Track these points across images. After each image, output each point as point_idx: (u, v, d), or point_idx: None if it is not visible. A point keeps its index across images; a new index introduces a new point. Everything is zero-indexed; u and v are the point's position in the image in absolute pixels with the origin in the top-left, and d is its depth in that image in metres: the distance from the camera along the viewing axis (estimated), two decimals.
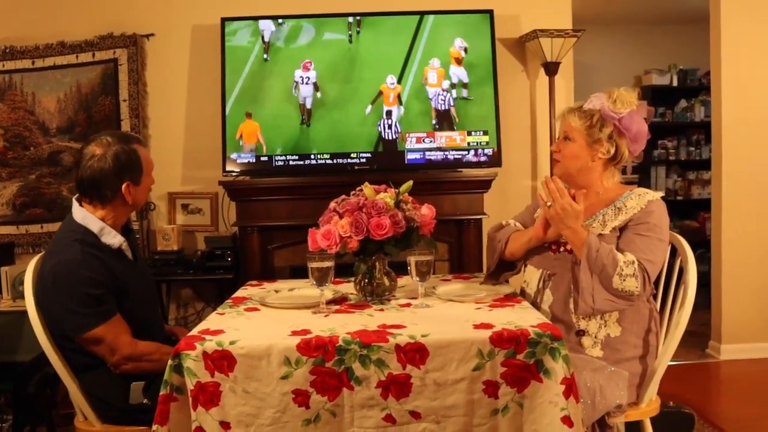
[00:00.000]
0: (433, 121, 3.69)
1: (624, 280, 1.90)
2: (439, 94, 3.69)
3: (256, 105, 3.68)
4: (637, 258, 1.93)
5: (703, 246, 5.37)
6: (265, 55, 3.70)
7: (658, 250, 1.98)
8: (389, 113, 3.67)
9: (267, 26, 3.71)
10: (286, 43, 3.72)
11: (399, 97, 3.68)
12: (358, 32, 3.71)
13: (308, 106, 3.67)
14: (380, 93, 3.68)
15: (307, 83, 3.68)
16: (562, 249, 2.10)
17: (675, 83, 6.10)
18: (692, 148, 6.17)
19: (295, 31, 3.72)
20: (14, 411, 2.98)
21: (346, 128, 3.67)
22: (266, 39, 3.71)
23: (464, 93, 3.70)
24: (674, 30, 6.11)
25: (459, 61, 3.70)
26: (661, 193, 2.07)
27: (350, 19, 3.73)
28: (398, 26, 3.74)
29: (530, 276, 2.19)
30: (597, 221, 2.06)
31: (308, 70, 3.68)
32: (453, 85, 3.69)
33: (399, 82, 3.69)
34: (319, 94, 3.68)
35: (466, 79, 3.70)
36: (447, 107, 3.68)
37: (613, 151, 2.09)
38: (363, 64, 3.71)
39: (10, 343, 3.30)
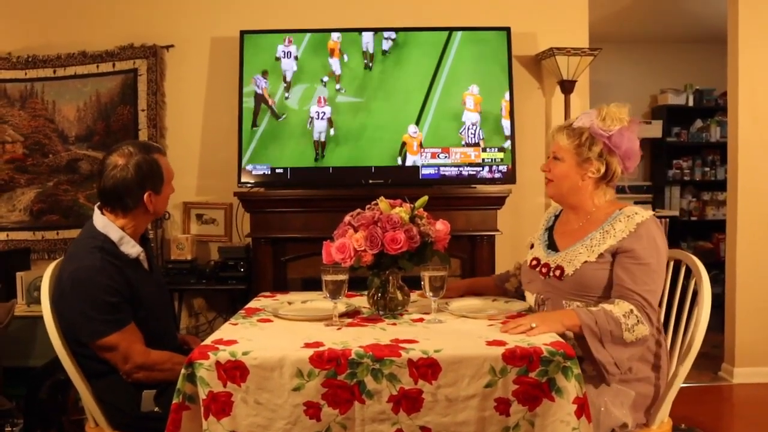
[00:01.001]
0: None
1: (633, 331, 1.86)
2: (472, 124, 3.71)
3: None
4: (637, 291, 1.90)
5: (717, 267, 5.33)
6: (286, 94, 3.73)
7: (656, 275, 1.95)
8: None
9: (289, 66, 3.75)
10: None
11: (421, 144, 3.69)
12: (383, 52, 3.73)
13: (323, 139, 3.70)
14: (404, 144, 3.69)
15: (322, 118, 3.70)
16: (551, 274, 2.09)
17: (691, 103, 6.09)
18: (707, 169, 6.15)
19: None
20: (25, 416, 3.01)
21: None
22: (287, 79, 3.74)
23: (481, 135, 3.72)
24: (691, 49, 6.11)
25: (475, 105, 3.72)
26: (651, 213, 2.02)
27: (365, 47, 3.74)
28: (421, 51, 3.76)
29: (527, 300, 2.20)
30: (584, 246, 2.04)
31: (322, 105, 3.70)
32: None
33: (423, 106, 3.70)
34: (332, 131, 3.70)
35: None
36: (477, 140, 3.70)
37: (603, 169, 2.07)
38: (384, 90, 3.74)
39: (24, 348, 3.34)
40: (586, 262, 2.01)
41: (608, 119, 2.03)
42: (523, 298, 2.33)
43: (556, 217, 2.26)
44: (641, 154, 2.09)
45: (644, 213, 2.01)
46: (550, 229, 2.23)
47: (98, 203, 2.11)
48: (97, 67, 4.02)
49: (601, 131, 2.03)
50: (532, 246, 2.26)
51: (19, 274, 3.65)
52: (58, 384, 2.89)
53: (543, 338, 1.75)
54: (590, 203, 2.11)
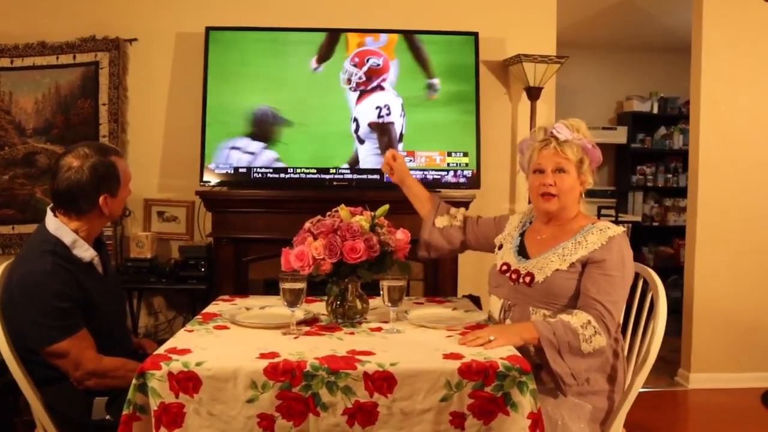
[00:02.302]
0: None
1: (591, 341, 1.88)
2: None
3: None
4: (599, 300, 1.92)
5: (677, 272, 5.43)
6: None
7: (620, 288, 1.98)
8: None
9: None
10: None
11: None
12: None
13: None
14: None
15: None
16: (520, 280, 2.09)
17: (656, 110, 6.18)
18: (670, 175, 6.24)
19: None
20: None
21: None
22: None
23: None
24: (657, 58, 6.20)
25: None
26: (623, 229, 2.06)
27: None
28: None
29: (493, 305, 2.20)
30: (556, 254, 2.05)
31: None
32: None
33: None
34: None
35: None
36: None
37: (592, 182, 2.12)
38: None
39: None
40: (557, 270, 2.02)
41: (583, 133, 2.09)
42: (442, 241, 2.39)
43: (530, 223, 2.26)
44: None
45: (616, 228, 2.04)
46: (521, 235, 2.23)
47: (51, 205, 2.05)
48: (57, 58, 3.91)
49: (588, 146, 2.07)
50: (500, 247, 2.26)
51: None
52: (8, 385, 2.81)
53: (500, 352, 1.75)
54: (575, 215, 2.13)
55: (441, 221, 2.42)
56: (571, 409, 1.92)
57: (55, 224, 2.00)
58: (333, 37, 3.72)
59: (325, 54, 3.72)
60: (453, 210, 2.46)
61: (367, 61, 3.71)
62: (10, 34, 3.90)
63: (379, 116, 3.70)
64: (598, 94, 6.20)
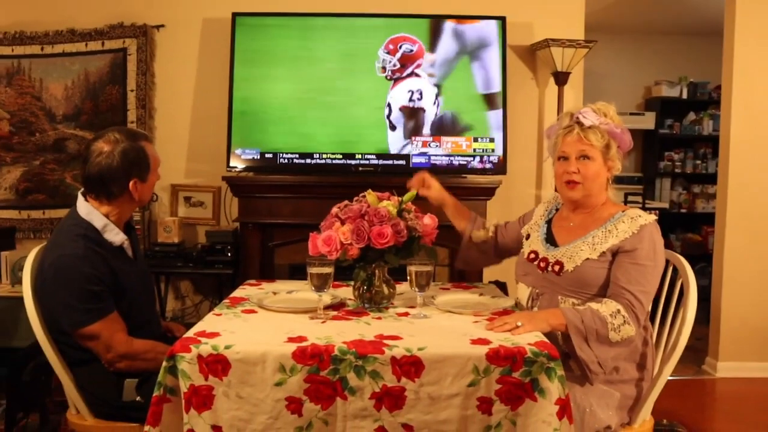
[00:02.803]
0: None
1: (619, 331, 1.86)
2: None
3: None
4: (630, 290, 1.90)
5: (704, 260, 5.36)
6: None
7: (651, 277, 1.95)
8: None
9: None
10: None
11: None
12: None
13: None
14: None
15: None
16: (549, 269, 2.08)
17: (685, 96, 6.08)
18: (699, 162, 6.15)
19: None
20: (8, 397, 2.99)
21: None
22: None
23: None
24: (687, 42, 6.09)
25: None
26: (654, 217, 2.01)
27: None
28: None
29: (521, 293, 2.19)
30: (586, 243, 2.03)
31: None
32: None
33: None
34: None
35: None
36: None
37: (620, 168, 2.08)
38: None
39: (7, 328, 3.32)
40: (587, 259, 2.00)
41: (612, 118, 2.04)
42: (478, 254, 2.38)
43: (557, 209, 2.24)
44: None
45: (648, 217, 2.01)
46: (548, 223, 2.21)
47: (82, 190, 2.07)
48: (86, 45, 3.96)
49: (615, 130, 2.03)
50: (528, 237, 2.25)
51: (3, 254, 3.61)
52: (41, 366, 2.87)
53: (527, 338, 1.75)
54: (603, 202, 2.10)
55: (477, 235, 2.40)
56: (600, 397, 1.91)
57: (86, 209, 2.03)
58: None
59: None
60: (487, 223, 2.45)
61: (400, 47, 3.69)
62: (40, 22, 3.95)
63: (410, 100, 3.68)
64: (626, 79, 6.12)
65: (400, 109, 3.68)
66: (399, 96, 3.69)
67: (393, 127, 3.69)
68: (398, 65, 3.69)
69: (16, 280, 3.52)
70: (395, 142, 3.68)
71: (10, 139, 3.98)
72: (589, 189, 2.07)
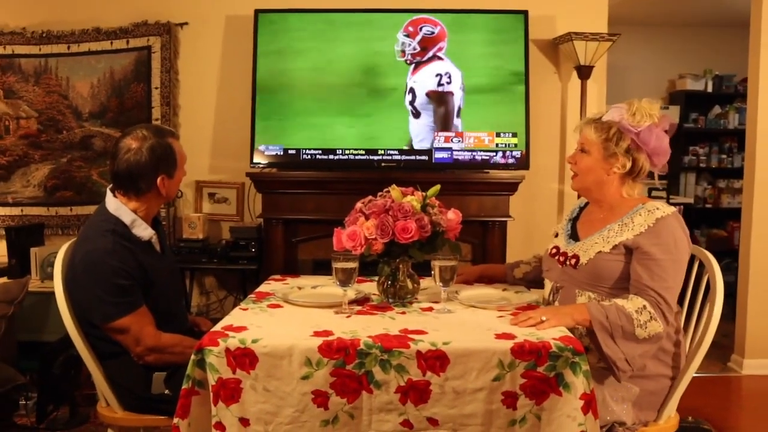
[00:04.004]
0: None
1: (646, 327, 1.84)
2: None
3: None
4: (653, 287, 1.87)
5: (730, 256, 5.29)
6: None
7: (673, 272, 1.91)
8: None
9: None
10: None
11: None
12: None
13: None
14: None
15: None
16: (567, 262, 2.08)
17: (710, 89, 5.99)
18: (724, 156, 6.07)
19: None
20: (39, 390, 3.06)
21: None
22: None
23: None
24: (711, 34, 6.00)
25: None
26: (673, 209, 1.97)
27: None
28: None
29: (545, 287, 2.19)
30: (601, 236, 2.02)
31: None
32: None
33: None
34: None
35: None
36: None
37: (629, 165, 2.02)
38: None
39: (38, 323, 3.38)
40: (599, 252, 1.99)
41: (638, 114, 1.99)
42: (529, 285, 2.38)
43: (582, 208, 2.24)
44: (670, 151, 2.04)
45: (666, 208, 1.97)
46: (574, 220, 2.21)
47: (111, 186, 2.11)
48: (111, 43, 4.01)
49: (630, 127, 1.99)
50: (556, 235, 2.25)
51: (33, 250, 3.68)
52: (71, 359, 2.93)
53: (552, 332, 1.75)
54: (615, 197, 2.08)
55: (519, 272, 2.43)
56: (615, 390, 1.90)
57: (115, 204, 2.06)
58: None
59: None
60: (526, 258, 2.48)
61: (421, 29, 3.66)
62: (66, 21, 4.01)
63: (440, 84, 3.66)
64: (650, 73, 6.04)
65: (427, 95, 3.66)
66: (424, 80, 3.66)
67: (417, 114, 3.66)
68: (418, 48, 3.66)
69: (46, 276, 3.58)
70: (419, 132, 3.66)
71: (38, 137, 4.05)
72: (583, 181, 2.09)
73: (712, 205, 6.08)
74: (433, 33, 3.65)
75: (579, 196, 2.32)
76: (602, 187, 2.08)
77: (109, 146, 3.93)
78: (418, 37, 3.66)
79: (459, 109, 3.66)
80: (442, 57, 3.67)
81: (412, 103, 3.66)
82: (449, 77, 3.63)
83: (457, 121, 3.66)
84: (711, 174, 6.14)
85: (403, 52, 3.66)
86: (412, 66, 3.67)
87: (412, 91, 3.66)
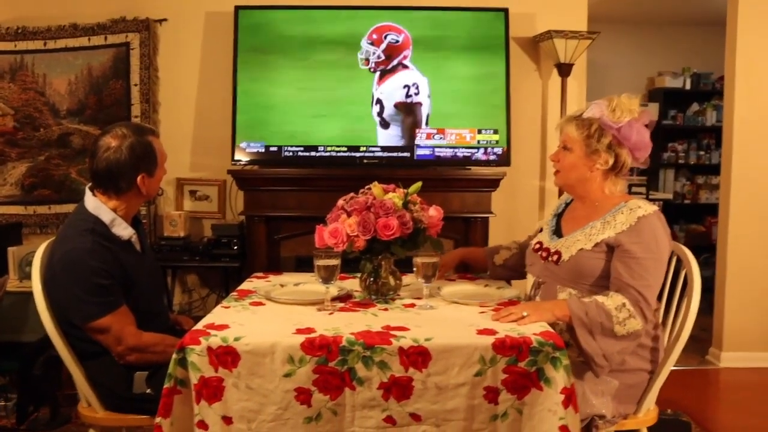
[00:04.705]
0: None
1: (625, 325, 1.86)
2: None
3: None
4: (633, 285, 1.89)
5: (708, 251, 5.37)
6: None
7: (653, 270, 1.93)
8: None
9: None
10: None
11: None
12: None
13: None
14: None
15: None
16: (549, 258, 2.10)
17: (688, 86, 6.08)
18: (702, 152, 6.15)
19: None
20: (19, 390, 3.02)
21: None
22: None
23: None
24: (690, 32, 6.08)
25: None
26: (655, 208, 1.99)
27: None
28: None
29: (528, 283, 2.21)
30: (584, 233, 2.04)
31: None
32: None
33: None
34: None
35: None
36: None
37: (612, 161, 2.04)
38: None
39: (16, 323, 3.34)
40: (581, 249, 2.01)
41: (618, 110, 2.01)
42: (509, 273, 2.42)
43: (567, 204, 2.25)
44: (651, 145, 2.06)
45: (648, 207, 1.99)
46: (559, 216, 2.23)
47: (90, 185, 2.09)
48: (89, 40, 3.96)
49: (610, 123, 2.01)
50: (541, 230, 2.27)
51: (10, 249, 3.63)
52: (51, 359, 2.91)
53: (533, 328, 1.77)
54: (598, 194, 2.09)
55: (499, 258, 2.45)
56: (595, 384, 1.92)
57: (94, 203, 2.05)
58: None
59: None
60: (506, 243, 2.49)
61: (385, 37, 3.67)
62: (42, 17, 3.96)
63: (407, 95, 3.68)
64: (629, 70, 6.11)
65: (396, 106, 3.67)
66: (392, 92, 3.66)
67: (386, 125, 3.66)
68: (383, 57, 3.66)
69: (24, 275, 3.54)
70: (389, 141, 3.66)
71: (15, 134, 4.00)
72: (566, 178, 2.11)
73: (690, 201, 6.17)
74: (397, 41, 3.65)
75: (561, 193, 2.34)
76: (585, 183, 2.09)
77: (87, 144, 3.89)
78: (383, 45, 3.65)
79: (428, 117, 3.67)
80: (408, 65, 3.67)
81: (380, 114, 3.66)
82: (417, 87, 3.64)
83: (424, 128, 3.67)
84: (689, 170, 6.22)
85: (367, 60, 3.66)
86: (377, 75, 3.67)
87: (379, 102, 3.66)
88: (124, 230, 2.05)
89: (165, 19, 3.98)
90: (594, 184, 2.09)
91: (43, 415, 3.05)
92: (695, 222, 6.22)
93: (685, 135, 6.17)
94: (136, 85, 3.97)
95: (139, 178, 2.04)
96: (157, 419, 1.67)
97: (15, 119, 4.00)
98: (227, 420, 1.68)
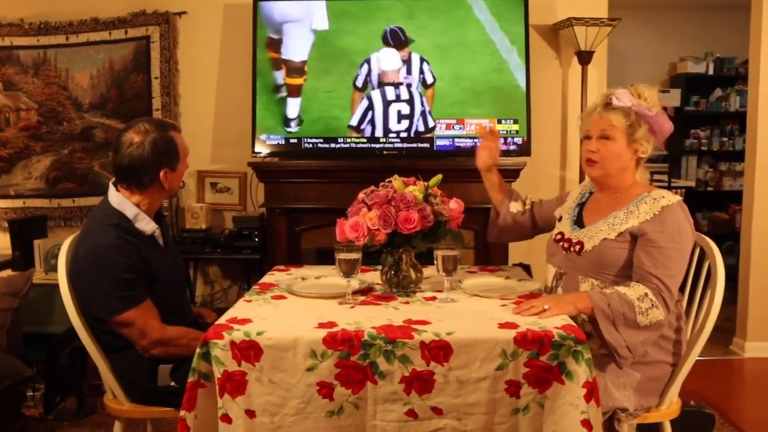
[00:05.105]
0: None
1: (647, 315, 1.85)
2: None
3: None
4: (656, 274, 1.88)
5: (732, 238, 5.31)
6: None
7: (677, 260, 1.92)
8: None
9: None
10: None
11: None
12: None
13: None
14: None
15: None
16: (571, 249, 2.08)
17: (711, 71, 5.98)
18: (725, 139, 6.07)
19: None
20: (46, 381, 3.08)
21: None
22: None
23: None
24: (712, 16, 5.97)
25: None
26: (679, 198, 1.98)
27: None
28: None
29: (549, 273, 2.20)
30: (606, 223, 2.03)
31: None
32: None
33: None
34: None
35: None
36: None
37: (650, 149, 2.06)
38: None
39: (43, 315, 3.40)
40: (605, 239, 2.00)
41: (648, 99, 2.02)
42: (509, 231, 2.42)
43: (591, 193, 2.24)
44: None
45: (671, 197, 1.98)
46: (581, 206, 2.22)
47: (113, 179, 2.11)
48: (110, 34, 3.99)
49: (646, 111, 2.01)
50: (560, 219, 2.26)
51: (36, 242, 3.69)
52: (77, 350, 2.95)
53: (554, 321, 1.76)
54: (629, 183, 2.08)
55: (514, 206, 2.42)
56: (616, 376, 1.92)
57: (118, 198, 2.07)
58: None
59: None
60: (522, 196, 2.47)
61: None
62: (64, 12, 3.99)
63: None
64: (651, 56, 6.02)
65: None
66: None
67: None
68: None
69: (50, 268, 3.60)
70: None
71: (39, 128, 4.05)
72: (608, 168, 2.07)
73: (713, 188, 6.09)
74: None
75: (581, 182, 2.32)
76: (623, 173, 2.08)
77: (110, 137, 3.93)
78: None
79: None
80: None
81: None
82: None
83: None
84: (712, 157, 6.14)
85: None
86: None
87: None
88: (147, 225, 2.07)
89: (184, 12, 4.00)
90: (629, 173, 2.09)
91: (70, 405, 3.11)
92: (718, 209, 6.14)
93: (707, 121, 6.09)
94: (156, 78, 3.99)
95: (161, 173, 2.06)
96: (182, 412, 1.69)
97: (39, 113, 4.05)
98: (250, 413, 1.70)
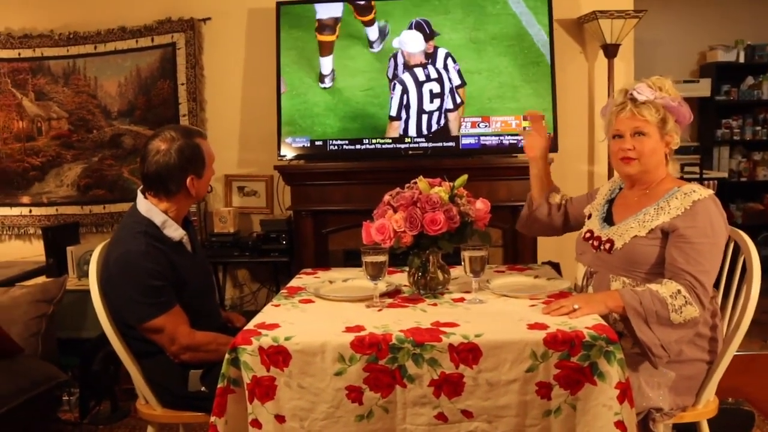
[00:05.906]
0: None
1: (681, 312, 1.82)
2: None
3: None
4: (689, 271, 1.84)
5: (767, 229, 5.20)
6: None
7: (710, 255, 1.88)
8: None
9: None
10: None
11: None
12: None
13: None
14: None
15: None
16: (601, 247, 2.05)
17: (742, 60, 5.85)
18: (759, 128, 5.93)
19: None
20: (80, 385, 3.13)
21: None
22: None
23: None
24: (741, 3, 5.85)
25: None
26: (710, 192, 1.94)
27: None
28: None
29: (578, 272, 2.16)
30: (637, 220, 1.99)
31: None
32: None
33: None
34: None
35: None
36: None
37: (678, 141, 2.03)
38: None
39: (76, 320, 3.45)
40: (635, 236, 1.97)
41: (669, 92, 1.99)
42: (545, 224, 2.37)
43: (621, 189, 2.20)
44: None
45: (703, 191, 1.94)
46: (610, 202, 2.18)
47: (141, 187, 2.14)
48: (137, 42, 4.04)
49: (672, 103, 1.98)
50: (589, 216, 2.23)
51: (69, 249, 3.74)
52: (109, 355, 2.99)
53: (585, 321, 1.74)
54: (661, 177, 2.05)
55: (554, 198, 2.39)
56: (651, 375, 1.88)
57: (146, 206, 2.09)
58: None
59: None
60: (561, 191, 2.44)
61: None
62: (92, 21, 4.05)
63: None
64: (679, 46, 5.91)
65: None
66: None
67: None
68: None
69: (82, 274, 3.65)
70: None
71: (70, 137, 4.12)
72: (646, 165, 2.02)
73: (747, 179, 5.96)
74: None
75: (609, 178, 2.28)
76: (658, 168, 2.05)
77: (138, 144, 3.98)
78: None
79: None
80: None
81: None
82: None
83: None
84: (745, 146, 6.01)
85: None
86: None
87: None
88: (175, 231, 2.09)
89: (209, 18, 4.03)
90: (663, 167, 2.05)
91: (104, 410, 3.15)
92: (753, 200, 6.01)
93: (739, 110, 5.96)
94: (183, 84, 4.03)
95: (188, 180, 2.08)
96: (212, 418, 1.71)
97: (69, 122, 4.12)
98: (280, 419, 1.70)
